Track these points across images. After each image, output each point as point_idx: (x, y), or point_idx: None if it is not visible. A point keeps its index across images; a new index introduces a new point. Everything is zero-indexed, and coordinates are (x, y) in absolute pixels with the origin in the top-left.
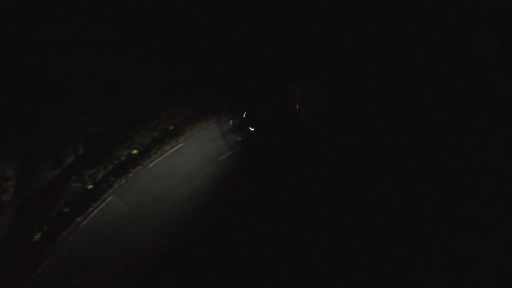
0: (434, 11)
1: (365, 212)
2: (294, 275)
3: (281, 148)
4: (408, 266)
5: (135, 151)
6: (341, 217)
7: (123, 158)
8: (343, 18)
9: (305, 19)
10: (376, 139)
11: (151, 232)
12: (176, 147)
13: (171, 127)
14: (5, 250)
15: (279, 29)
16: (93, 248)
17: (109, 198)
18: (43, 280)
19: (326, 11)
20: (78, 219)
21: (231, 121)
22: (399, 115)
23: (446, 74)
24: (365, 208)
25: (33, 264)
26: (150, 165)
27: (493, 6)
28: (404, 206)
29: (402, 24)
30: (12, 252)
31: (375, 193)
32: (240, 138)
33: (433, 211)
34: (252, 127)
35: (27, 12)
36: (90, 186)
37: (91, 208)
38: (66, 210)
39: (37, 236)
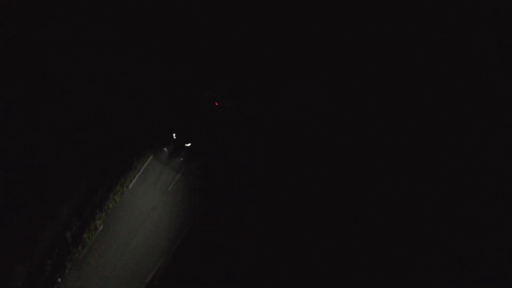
0: (434, 11)
1: (365, 212)
2: (294, 275)
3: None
4: (408, 266)
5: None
6: (341, 217)
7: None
8: (342, 18)
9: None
10: (376, 139)
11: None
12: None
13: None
14: None
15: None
16: None
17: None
18: None
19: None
20: None
21: (165, 149)
22: (399, 115)
23: (446, 74)
24: (365, 208)
25: None
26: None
27: (493, 6)
28: (404, 206)
29: (402, 24)
30: None
31: (375, 193)
32: (182, 159)
33: (433, 211)
34: (187, 143)
35: (27, 12)
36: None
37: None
38: None
39: None
